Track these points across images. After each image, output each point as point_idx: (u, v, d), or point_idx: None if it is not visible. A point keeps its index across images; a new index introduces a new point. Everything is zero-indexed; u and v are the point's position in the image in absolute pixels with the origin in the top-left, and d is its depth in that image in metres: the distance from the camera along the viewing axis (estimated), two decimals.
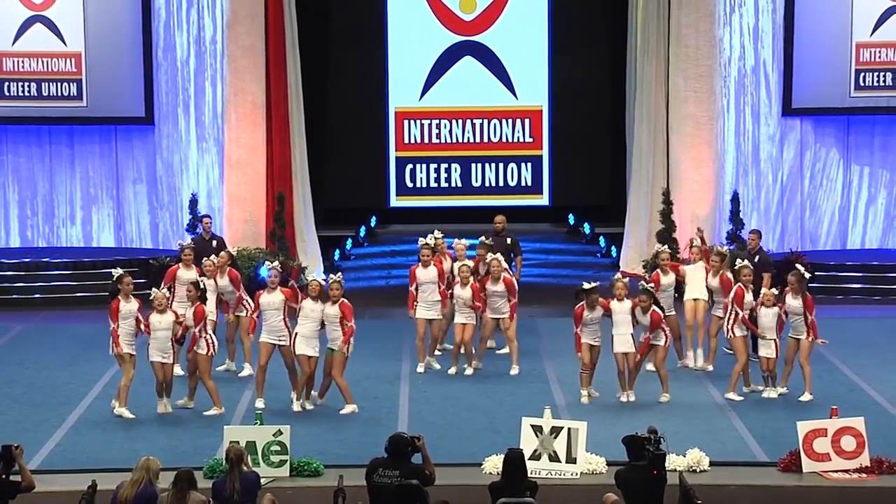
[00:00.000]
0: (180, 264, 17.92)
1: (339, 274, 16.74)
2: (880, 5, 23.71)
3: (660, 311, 16.44)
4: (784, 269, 19.67)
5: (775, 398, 16.53)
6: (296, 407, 16.11)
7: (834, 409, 14.65)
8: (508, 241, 19.62)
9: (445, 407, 16.44)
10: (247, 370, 17.66)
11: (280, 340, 16.22)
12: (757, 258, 19.01)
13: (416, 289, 17.82)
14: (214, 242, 19.74)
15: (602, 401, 16.41)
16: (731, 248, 22.72)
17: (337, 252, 24.32)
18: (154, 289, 16.48)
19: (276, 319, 16.20)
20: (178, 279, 17.54)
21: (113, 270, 16.72)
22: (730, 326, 16.75)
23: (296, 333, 16.06)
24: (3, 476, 11.26)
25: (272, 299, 16.26)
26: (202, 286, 16.62)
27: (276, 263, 17.35)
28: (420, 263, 17.99)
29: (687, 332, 17.96)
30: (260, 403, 16.13)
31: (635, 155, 24.03)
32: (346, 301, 16.09)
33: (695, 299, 17.89)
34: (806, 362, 16.53)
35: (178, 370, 16.80)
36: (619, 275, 17.01)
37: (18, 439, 11.94)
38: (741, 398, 16.53)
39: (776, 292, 16.66)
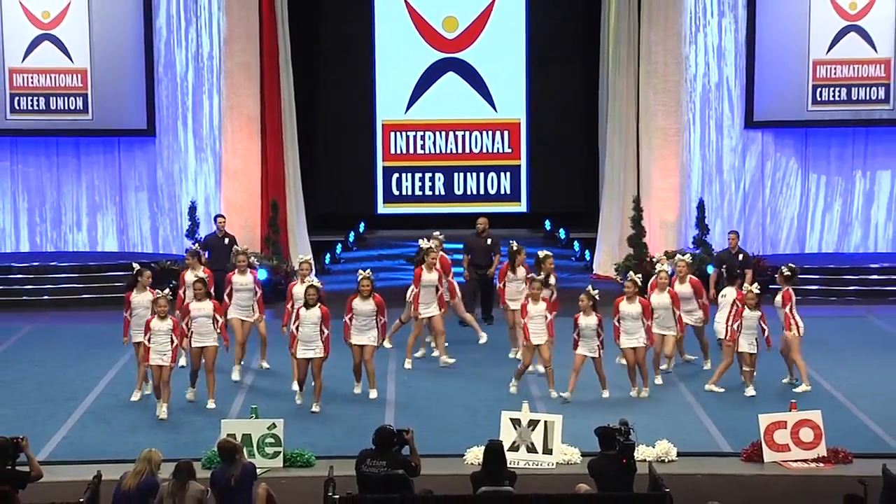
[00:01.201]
0: (188, 269, 17.89)
1: (368, 271, 16.67)
2: (835, 25, 23.78)
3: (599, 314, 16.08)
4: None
5: (753, 394, 16.44)
6: (299, 400, 16.02)
7: (793, 403, 14.72)
8: (489, 241, 20.07)
9: (429, 402, 16.42)
10: (236, 374, 17.18)
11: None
12: (740, 256, 19.07)
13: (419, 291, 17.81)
14: (227, 240, 20.13)
15: (576, 396, 16.36)
16: (696, 251, 22.82)
17: (328, 256, 24.30)
18: (157, 290, 16.39)
19: None
20: (186, 282, 17.55)
21: (134, 263, 17.02)
22: (730, 325, 16.36)
23: (297, 339, 15.87)
24: (11, 466, 11.24)
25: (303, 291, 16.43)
26: (206, 281, 16.68)
27: (309, 257, 17.81)
28: (425, 266, 17.88)
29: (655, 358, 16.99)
30: (295, 386, 16.25)
31: (608, 165, 24.08)
32: (378, 296, 16.42)
33: (662, 335, 16.80)
34: (797, 355, 16.60)
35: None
36: (589, 288, 16.48)
37: (28, 432, 11.92)
38: (722, 389, 16.49)
39: (757, 291, 16.49)
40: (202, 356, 16.06)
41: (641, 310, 16.35)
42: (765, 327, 16.38)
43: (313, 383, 15.95)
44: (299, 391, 16.15)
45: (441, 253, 18.37)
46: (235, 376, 17.15)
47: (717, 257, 20.15)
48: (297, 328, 15.89)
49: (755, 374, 16.44)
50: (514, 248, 18.38)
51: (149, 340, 15.65)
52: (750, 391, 16.37)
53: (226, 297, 17.20)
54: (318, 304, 15.93)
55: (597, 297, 16.27)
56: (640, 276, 17.38)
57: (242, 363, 17.40)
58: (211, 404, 16.01)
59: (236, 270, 17.42)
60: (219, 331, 16.09)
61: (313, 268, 18.23)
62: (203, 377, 16.17)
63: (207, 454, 13.75)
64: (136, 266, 17.01)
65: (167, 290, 16.22)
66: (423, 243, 18.22)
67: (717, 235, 23.46)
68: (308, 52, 24.79)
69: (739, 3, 23.72)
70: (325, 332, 15.85)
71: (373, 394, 16.46)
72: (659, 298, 16.87)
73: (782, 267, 17.14)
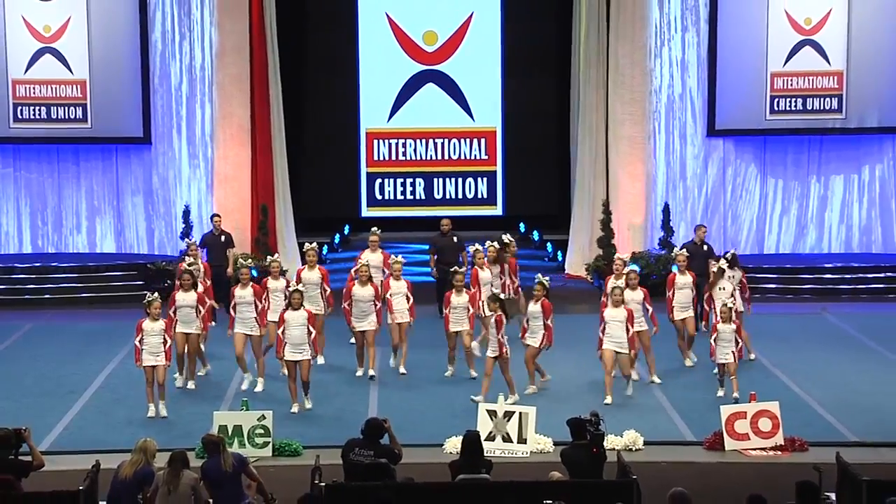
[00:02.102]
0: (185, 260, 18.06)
1: (367, 259, 17.37)
2: (791, 39, 23.86)
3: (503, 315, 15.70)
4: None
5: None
6: (294, 409, 15.44)
7: (753, 395, 14.75)
8: (455, 239, 20.45)
9: (410, 394, 16.41)
10: (257, 385, 16.34)
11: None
12: (704, 247, 19.10)
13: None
14: (223, 238, 20.35)
15: (549, 388, 16.40)
16: (662, 252, 22.88)
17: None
18: (148, 293, 16.16)
19: (315, 293, 16.90)
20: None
21: (186, 259, 17.46)
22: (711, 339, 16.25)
23: (285, 343, 15.43)
24: (14, 456, 11.18)
25: (312, 276, 16.90)
26: (194, 273, 16.65)
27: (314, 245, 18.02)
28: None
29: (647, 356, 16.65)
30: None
31: (578, 170, 24.11)
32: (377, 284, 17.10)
33: (638, 332, 16.19)
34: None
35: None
36: (496, 292, 16.40)
37: (30, 424, 11.84)
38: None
39: (731, 306, 16.14)
40: (186, 341, 16.20)
41: (542, 310, 16.10)
42: (739, 340, 16.08)
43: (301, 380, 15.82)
44: (294, 397, 15.56)
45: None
46: (258, 388, 16.25)
47: (684, 248, 20.13)
48: (282, 332, 15.54)
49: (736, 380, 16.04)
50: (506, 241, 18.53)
51: (140, 342, 15.31)
52: (735, 395, 15.70)
53: (231, 311, 16.51)
54: (302, 306, 15.77)
55: (501, 297, 16.14)
56: (548, 279, 16.95)
57: (252, 374, 16.46)
58: (191, 385, 16.22)
59: (239, 284, 16.64)
60: (201, 321, 16.31)
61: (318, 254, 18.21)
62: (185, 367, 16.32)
63: (201, 444, 13.69)
64: (184, 265, 17.34)
65: (156, 294, 15.82)
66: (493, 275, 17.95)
67: (681, 237, 23.49)
68: (296, 65, 24.74)
69: (702, 18, 23.78)
70: (312, 332, 15.75)
71: (372, 371, 16.69)
72: (632, 295, 16.45)
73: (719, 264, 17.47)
